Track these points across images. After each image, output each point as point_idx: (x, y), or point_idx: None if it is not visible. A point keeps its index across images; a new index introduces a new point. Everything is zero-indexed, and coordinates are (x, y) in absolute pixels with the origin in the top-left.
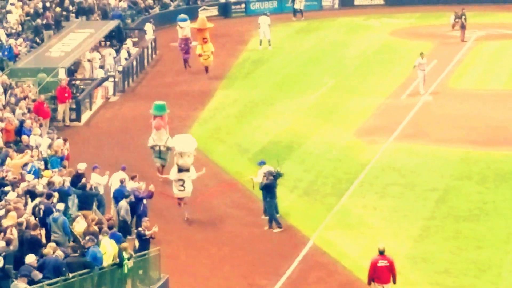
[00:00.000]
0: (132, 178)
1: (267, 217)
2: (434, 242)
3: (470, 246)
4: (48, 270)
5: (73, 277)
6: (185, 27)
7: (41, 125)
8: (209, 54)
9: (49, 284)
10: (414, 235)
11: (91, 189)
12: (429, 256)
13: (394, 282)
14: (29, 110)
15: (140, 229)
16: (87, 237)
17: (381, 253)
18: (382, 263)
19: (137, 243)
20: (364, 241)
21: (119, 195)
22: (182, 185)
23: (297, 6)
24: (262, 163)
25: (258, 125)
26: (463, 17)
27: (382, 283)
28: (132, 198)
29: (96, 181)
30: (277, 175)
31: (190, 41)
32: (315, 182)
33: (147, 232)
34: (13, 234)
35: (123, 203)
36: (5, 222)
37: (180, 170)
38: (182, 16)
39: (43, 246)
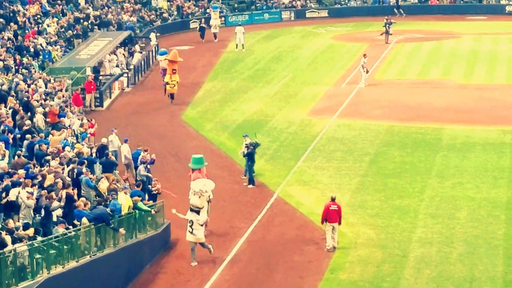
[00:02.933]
0: (140, 148)
1: (246, 177)
2: (367, 193)
3: (395, 196)
4: (96, 219)
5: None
6: (162, 59)
7: (72, 112)
8: (175, 83)
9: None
10: (353, 188)
11: (111, 156)
12: (364, 204)
13: (339, 223)
14: (65, 99)
15: (149, 186)
16: (110, 193)
17: (333, 199)
18: (333, 207)
19: (147, 197)
20: (316, 194)
21: (135, 158)
22: (191, 227)
23: (214, 30)
24: (245, 135)
25: (235, 108)
26: (387, 25)
27: (332, 222)
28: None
29: (110, 139)
30: (256, 145)
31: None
32: (279, 149)
33: (153, 188)
34: (63, 195)
35: (141, 167)
36: (46, 183)
37: (191, 209)
38: (162, 49)
39: (75, 200)
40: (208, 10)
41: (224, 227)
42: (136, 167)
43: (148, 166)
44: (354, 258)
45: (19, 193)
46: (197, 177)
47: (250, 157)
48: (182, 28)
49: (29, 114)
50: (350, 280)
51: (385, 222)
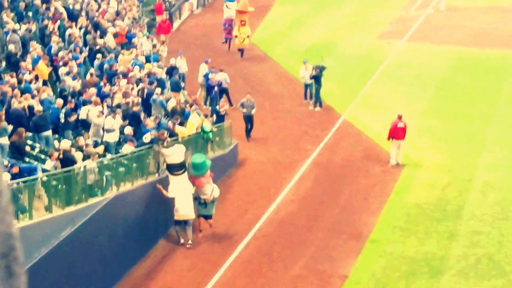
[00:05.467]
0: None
1: (307, 101)
2: (434, 118)
3: (462, 121)
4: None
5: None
6: (231, 8)
7: (142, 32)
8: (244, 37)
9: (150, 148)
10: (420, 113)
11: (179, 77)
12: (431, 128)
13: (403, 139)
14: (134, 20)
15: (216, 107)
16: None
17: (400, 117)
18: (400, 124)
19: (214, 118)
20: (383, 117)
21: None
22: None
23: None
24: (305, 61)
25: (304, 32)
26: None
27: (398, 139)
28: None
29: (178, 61)
30: (322, 68)
31: (234, 22)
32: (346, 73)
33: (221, 109)
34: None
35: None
36: (114, 102)
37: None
38: None
39: (141, 121)
40: None
41: (291, 148)
42: (207, 88)
43: (216, 88)
44: (420, 181)
45: (88, 111)
46: (200, 183)
47: (317, 80)
48: None
49: (99, 33)
50: (415, 202)
51: (451, 146)
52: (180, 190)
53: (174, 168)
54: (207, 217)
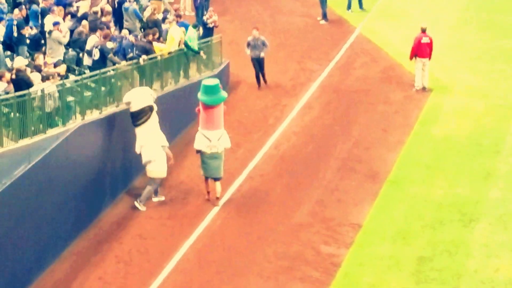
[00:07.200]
0: None
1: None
2: (468, 31)
3: (501, 35)
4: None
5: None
6: None
7: None
8: None
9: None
10: (451, 25)
11: None
12: (464, 44)
13: (430, 58)
14: None
15: (204, 17)
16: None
17: (424, 30)
18: (424, 39)
19: (201, 31)
20: (406, 31)
21: None
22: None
23: None
24: None
25: None
26: None
27: (423, 57)
28: None
29: None
30: None
31: None
32: None
33: (209, 21)
34: None
35: None
36: (80, 11)
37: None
38: None
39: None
40: None
41: (294, 68)
42: None
43: None
44: (450, 109)
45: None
46: (210, 119)
47: None
48: None
49: None
50: (445, 135)
51: (488, 66)
52: (147, 142)
53: (134, 118)
54: (216, 179)
